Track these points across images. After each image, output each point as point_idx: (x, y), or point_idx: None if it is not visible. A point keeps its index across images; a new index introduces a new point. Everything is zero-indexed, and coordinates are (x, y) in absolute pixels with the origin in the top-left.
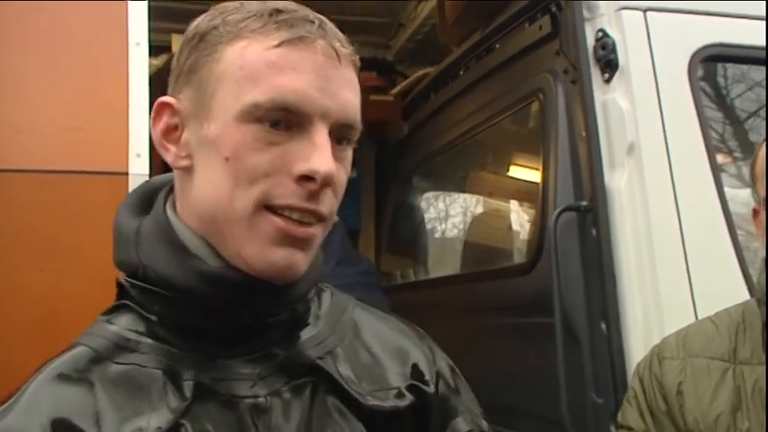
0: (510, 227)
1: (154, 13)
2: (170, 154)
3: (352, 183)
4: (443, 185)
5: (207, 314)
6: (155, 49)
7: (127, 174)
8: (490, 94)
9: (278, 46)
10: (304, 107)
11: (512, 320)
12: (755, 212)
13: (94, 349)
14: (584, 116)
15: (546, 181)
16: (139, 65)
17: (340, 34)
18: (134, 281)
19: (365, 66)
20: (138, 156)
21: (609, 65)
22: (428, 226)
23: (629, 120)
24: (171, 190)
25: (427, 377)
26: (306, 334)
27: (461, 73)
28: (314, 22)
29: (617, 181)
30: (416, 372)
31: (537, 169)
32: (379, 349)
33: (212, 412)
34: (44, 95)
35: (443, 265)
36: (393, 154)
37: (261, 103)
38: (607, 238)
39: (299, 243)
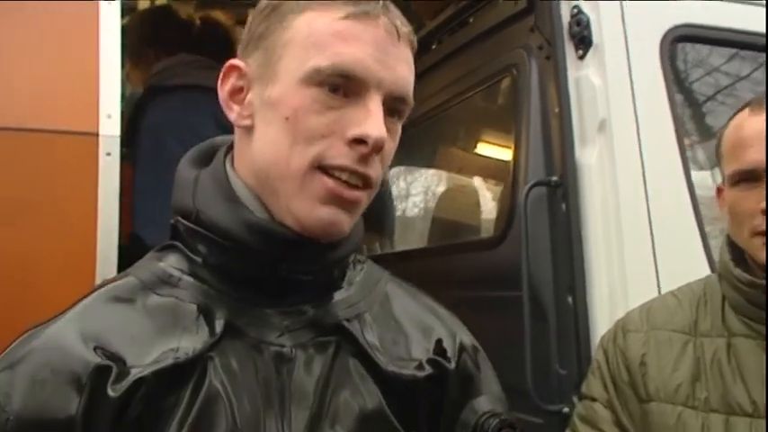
0: (478, 201)
1: None
2: (233, 113)
3: None
4: (412, 159)
5: (247, 261)
6: (126, 11)
7: (97, 135)
8: (463, 68)
9: (344, 18)
10: (362, 75)
11: (479, 294)
12: (719, 191)
13: (141, 280)
14: (558, 92)
15: (517, 156)
16: (111, 24)
17: (401, 14)
18: (186, 222)
19: None
20: (109, 116)
21: (583, 41)
22: (397, 201)
23: (600, 96)
24: (231, 147)
25: (449, 354)
26: (338, 296)
27: (434, 47)
28: (378, 1)
29: (587, 157)
30: (439, 347)
31: (508, 144)
32: (406, 321)
33: (239, 351)
34: (15, 53)
35: (410, 239)
36: None
37: (323, 68)
38: (576, 214)
39: (346, 204)
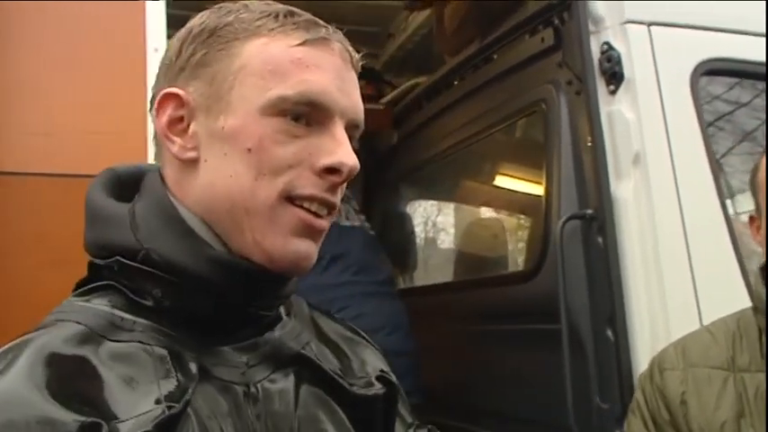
0: (504, 235)
1: (169, 20)
2: (175, 146)
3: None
4: (434, 194)
5: (210, 300)
6: None
7: None
8: (487, 104)
9: (301, 44)
10: (327, 103)
11: (512, 327)
12: (752, 220)
13: (89, 326)
14: (591, 126)
15: (549, 190)
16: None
17: (346, 39)
18: (131, 263)
19: None
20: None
21: (614, 77)
22: (418, 234)
23: (634, 130)
24: (163, 179)
25: (386, 368)
26: (281, 328)
27: (456, 83)
28: (326, 27)
29: (623, 190)
30: (381, 368)
31: (538, 179)
32: (342, 343)
33: (211, 396)
34: (65, 100)
35: (435, 273)
36: (382, 162)
37: (289, 96)
38: (614, 246)
39: (315, 234)
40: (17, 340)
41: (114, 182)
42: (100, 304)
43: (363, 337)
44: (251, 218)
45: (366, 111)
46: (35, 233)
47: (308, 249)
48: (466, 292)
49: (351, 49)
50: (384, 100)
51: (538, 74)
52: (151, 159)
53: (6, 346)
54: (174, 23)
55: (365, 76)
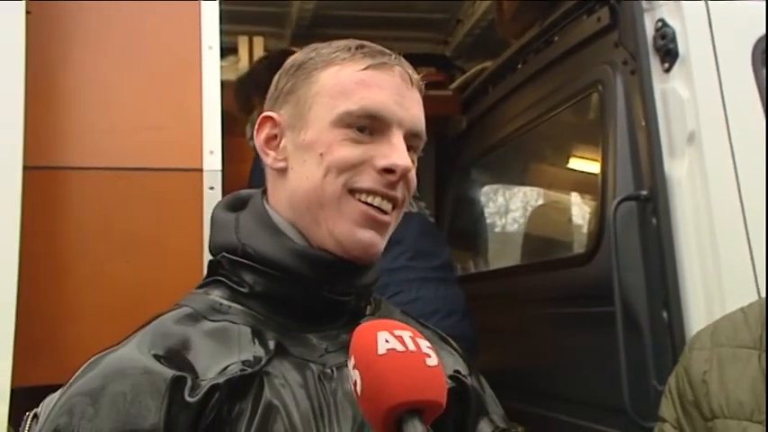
0: (569, 218)
1: (222, 17)
2: (269, 158)
3: None
4: (503, 178)
5: (291, 285)
6: (223, 51)
7: (201, 170)
8: (548, 86)
9: (365, 69)
10: (385, 115)
11: (571, 310)
12: None
13: (195, 309)
14: (644, 105)
15: (605, 171)
16: (212, 67)
17: (410, 65)
18: (232, 257)
19: (424, 61)
20: (211, 153)
21: (668, 54)
22: (488, 218)
23: (689, 108)
24: (264, 192)
25: (464, 373)
26: (363, 323)
27: (519, 66)
28: (391, 54)
29: (677, 170)
30: (457, 369)
31: (596, 160)
32: None
33: (288, 368)
34: (125, 97)
35: (503, 256)
36: (452, 148)
37: (352, 111)
38: (668, 227)
39: (379, 227)
40: (148, 322)
41: (234, 200)
42: (212, 294)
43: (450, 344)
44: (324, 210)
45: (435, 97)
46: (100, 225)
47: (373, 239)
48: (528, 275)
49: (411, 71)
50: (452, 86)
51: (595, 54)
52: (206, 153)
53: (139, 327)
54: (224, 19)
55: (435, 63)
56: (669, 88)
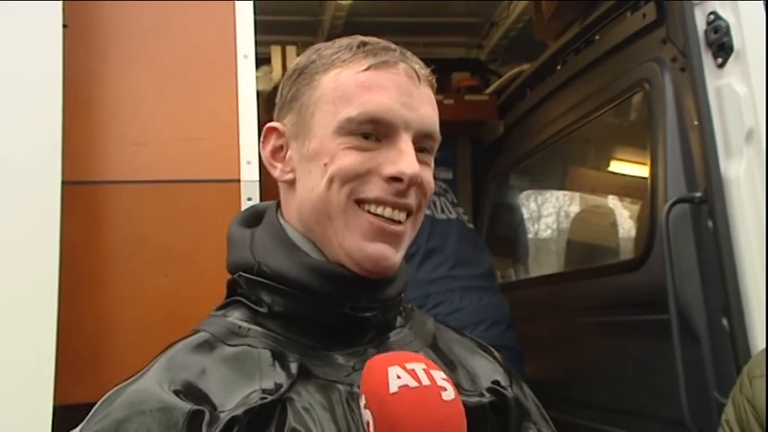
0: (615, 222)
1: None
2: (277, 170)
3: (448, 184)
4: (544, 183)
5: (311, 303)
6: (256, 62)
7: (239, 180)
8: (590, 87)
9: (366, 69)
10: (389, 118)
11: (620, 318)
12: None
13: (212, 334)
14: (697, 103)
15: (655, 173)
16: (247, 76)
17: (418, 59)
18: (249, 276)
19: (458, 66)
20: (249, 163)
21: (722, 48)
22: (529, 225)
23: (746, 105)
24: (278, 206)
25: (504, 383)
26: (394, 337)
27: (559, 68)
28: (395, 50)
29: (735, 169)
30: (495, 380)
31: (644, 162)
32: (458, 356)
33: (313, 391)
34: (161, 109)
35: (546, 263)
36: (489, 153)
37: (353, 117)
38: (725, 230)
39: (391, 238)
40: (164, 350)
41: (250, 214)
42: (231, 316)
43: (489, 352)
44: (333, 222)
45: (471, 102)
46: (138, 238)
47: (384, 252)
48: (573, 282)
49: (418, 66)
50: (488, 90)
51: (640, 52)
52: (243, 163)
53: (156, 356)
54: (257, 29)
55: (469, 67)
56: (724, 84)
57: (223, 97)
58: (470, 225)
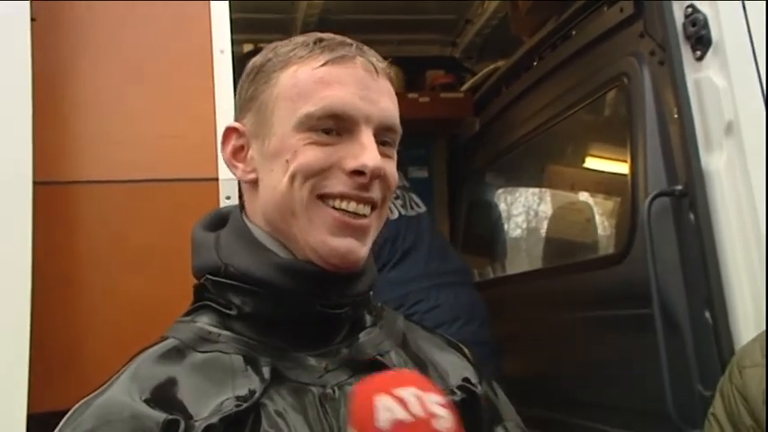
0: (596, 217)
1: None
2: (239, 171)
3: (423, 182)
4: (521, 180)
5: (281, 303)
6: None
7: (217, 179)
8: (568, 82)
9: (323, 65)
10: (349, 113)
11: (601, 313)
12: None
13: (181, 340)
14: (676, 96)
15: (635, 167)
16: (224, 71)
17: (375, 53)
18: (216, 278)
19: (432, 64)
20: None
21: (700, 41)
22: (506, 222)
23: (725, 98)
24: (242, 207)
25: (474, 380)
26: (365, 336)
27: (535, 64)
28: (351, 45)
29: (715, 162)
30: (464, 377)
31: (623, 156)
32: (428, 355)
33: (285, 396)
34: (135, 106)
35: (523, 260)
36: (465, 151)
37: (313, 112)
38: (707, 223)
39: (356, 232)
40: (132, 359)
41: (214, 218)
42: (199, 321)
43: (459, 349)
44: (297, 219)
45: (446, 99)
46: (113, 239)
47: (350, 246)
48: (552, 278)
49: (375, 60)
50: (463, 88)
51: (618, 47)
52: (221, 162)
53: (123, 365)
54: (234, 28)
55: (443, 65)
56: (703, 77)
57: (200, 94)
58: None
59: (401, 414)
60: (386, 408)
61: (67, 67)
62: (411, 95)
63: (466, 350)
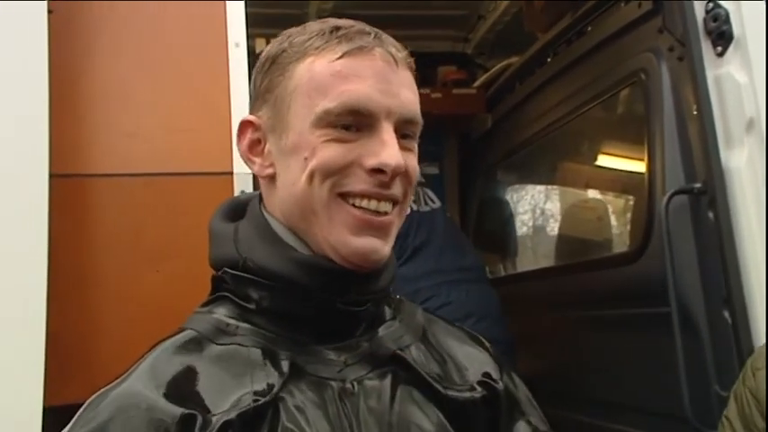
0: (611, 215)
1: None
2: (256, 165)
3: (434, 179)
4: (533, 177)
5: (301, 299)
6: None
7: (232, 173)
8: (583, 79)
9: (340, 57)
10: (370, 108)
11: (615, 311)
12: None
13: (199, 332)
14: (696, 93)
15: (652, 165)
16: (239, 65)
17: (395, 42)
18: (234, 272)
19: (444, 60)
20: None
21: (722, 37)
22: (517, 219)
23: (746, 94)
24: (261, 198)
25: (495, 376)
26: (385, 330)
27: (549, 60)
28: (370, 34)
29: (736, 160)
30: (485, 372)
31: (639, 153)
32: (449, 350)
33: (305, 390)
34: (151, 99)
35: (536, 258)
36: (477, 147)
37: (331, 109)
38: (727, 221)
39: (377, 231)
40: (150, 349)
41: (232, 207)
42: (217, 313)
43: (480, 343)
44: (317, 217)
45: (458, 96)
46: (128, 232)
47: (372, 245)
48: (567, 276)
49: (395, 50)
50: (476, 84)
51: (635, 42)
52: (236, 154)
53: (142, 356)
54: (250, 23)
55: (456, 61)
56: (723, 73)
57: (215, 87)
58: (448, 215)
59: None
60: None
61: (84, 61)
62: (422, 91)
63: (487, 344)
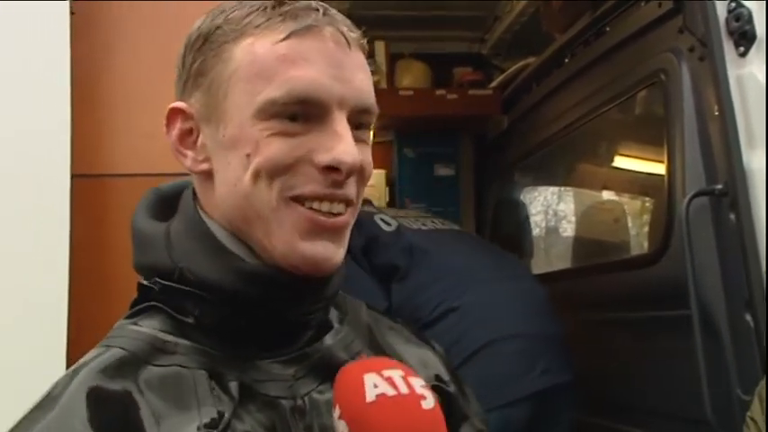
0: (630, 217)
1: None
2: (188, 159)
3: (450, 180)
4: (551, 179)
5: (249, 314)
6: None
7: None
8: (601, 80)
9: (286, 38)
10: (321, 97)
11: (634, 314)
12: None
13: (132, 352)
14: (718, 93)
15: (672, 166)
16: None
17: (346, 20)
18: (168, 283)
19: (460, 61)
20: None
21: (744, 37)
22: (534, 221)
23: None
24: (195, 195)
25: (446, 378)
26: (333, 337)
27: (567, 61)
28: (318, 10)
29: (758, 161)
30: (436, 374)
31: (659, 155)
32: (398, 355)
33: (255, 413)
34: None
35: (553, 260)
36: (493, 149)
37: (277, 98)
38: (749, 222)
39: (330, 234)
40: (70, 370)
41: (158, 201)
42: (147, 326)
43: (425, 341)
44: (264, 222)
45: (474, 96)
46: None
47: (325, 251)
48: (585, 278)
49: (346, 29)
50: (492, 85)
51: (655, 43)
52: None
53: (62, 376)
54: None
55: (471, 62)
56: (746, 73)
57: None
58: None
59: (389, 391)
60: (374, 384)
61: (105, 61)
62: (439, 92)
63: (436, 345)
